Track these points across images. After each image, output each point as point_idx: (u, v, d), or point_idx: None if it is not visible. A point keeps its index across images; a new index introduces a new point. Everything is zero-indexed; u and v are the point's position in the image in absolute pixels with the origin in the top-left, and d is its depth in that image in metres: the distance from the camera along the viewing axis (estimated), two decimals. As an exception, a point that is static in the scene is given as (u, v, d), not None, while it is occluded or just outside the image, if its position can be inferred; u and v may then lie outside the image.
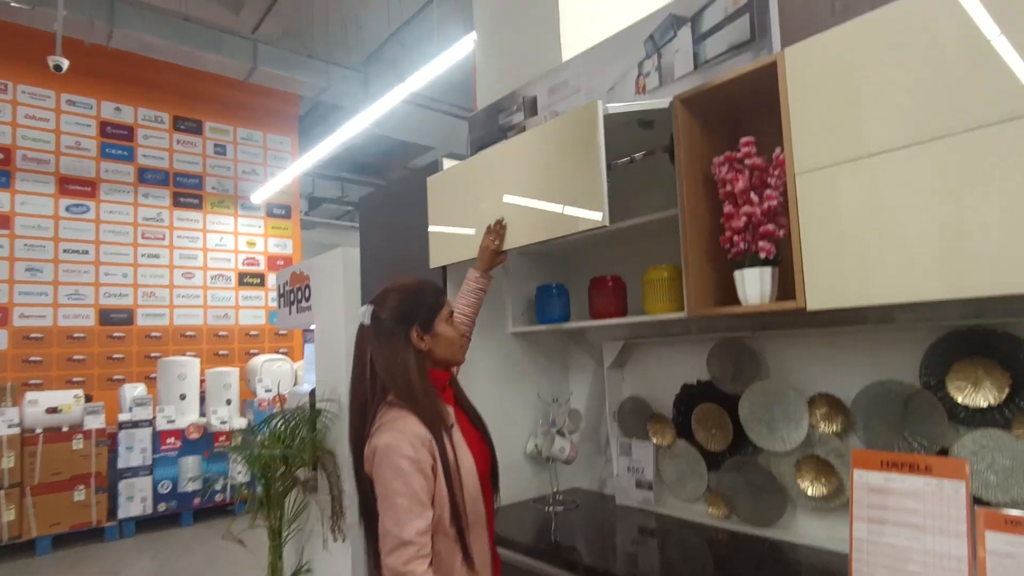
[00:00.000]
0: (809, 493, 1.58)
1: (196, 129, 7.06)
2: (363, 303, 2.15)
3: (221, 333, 7.11)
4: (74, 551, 4.74)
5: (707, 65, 1.94)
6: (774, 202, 1.43)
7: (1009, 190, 1.04)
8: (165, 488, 5.36)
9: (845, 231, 1.24)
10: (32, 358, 5.97)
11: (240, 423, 5.84)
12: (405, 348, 1.27)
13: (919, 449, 1.40)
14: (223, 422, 5.74)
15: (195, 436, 5.56)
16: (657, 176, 1.91)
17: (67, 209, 6.26)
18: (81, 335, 6.24)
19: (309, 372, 3.03)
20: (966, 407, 1.32)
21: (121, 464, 5.21)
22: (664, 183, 1.88)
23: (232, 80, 6.79)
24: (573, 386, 2.32)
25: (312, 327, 2.88)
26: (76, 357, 6.21)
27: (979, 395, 1.30)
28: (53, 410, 4.95)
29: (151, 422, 5.39)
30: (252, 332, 7.33)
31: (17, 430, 4.69)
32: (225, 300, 7.16)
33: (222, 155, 7.23)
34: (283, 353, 7.17)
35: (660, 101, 1.64)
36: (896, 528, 1.11)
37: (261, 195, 7.22)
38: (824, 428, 1.57)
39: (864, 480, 1.16)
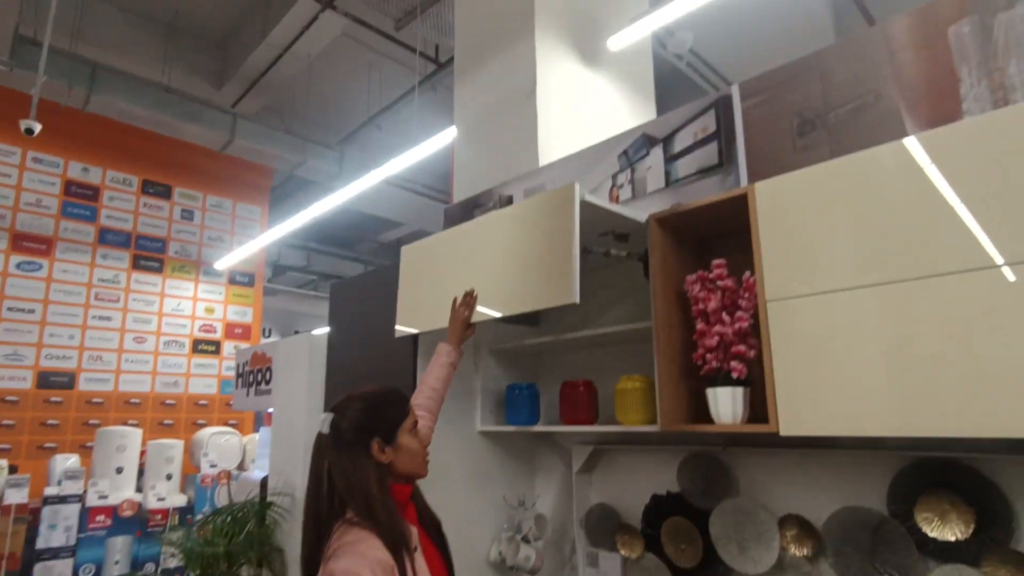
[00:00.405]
0: (780, 618, 1.55)
1: (165, 193, 7.00)
2: (327, 394, 2.08)
3: (168, 402, 6.78)
4: (-26, 648, 4.24)
5: (677, 184, 2.05)
6: (745, 324, 1.48)
7: (956, 338, 1.11)
8: (88, 572, 4.90)
9: (813, 360, 1.29)
10: (-44, 422, 5.56)
11: (179, 500, 5.46)
12: (365, 461, 1.21)
13: (888, 579, 1.40)
14: (160, 499, 5.35)
15: (128, 514, 5.16)
16: (631, 283, 1.97)
17: (17, 266, 6.03)
18: (14, 398, 5.86)
19: (262, 457, 2.89)
20: (935, 540, 1.34)
21: (40, 544, 4.76)
22: (637, 292, 1.94)
23: (207, 149, 6.82)
24: (540, 489, 2.27)
25: (270, 410, 2.78)
26: (5, 422, 5.80)
27: (946, 529, 1.32)
28: (-30, 482, 4.55)
29: (80, 497, 4.99)
30: (201, 402, 7.01)
31: (-73, 505, 4.28)
32: (176, 367, 6.88)
33: (189, 220, 7.15)
34: (232, 426, 6.85)
35: (636, 213, 1.71)
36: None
37: (225, 262, 7.11)
38: (795, 551, 1.56)
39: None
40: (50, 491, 4.92)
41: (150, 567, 5.13)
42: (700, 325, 1.56)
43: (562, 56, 2.84)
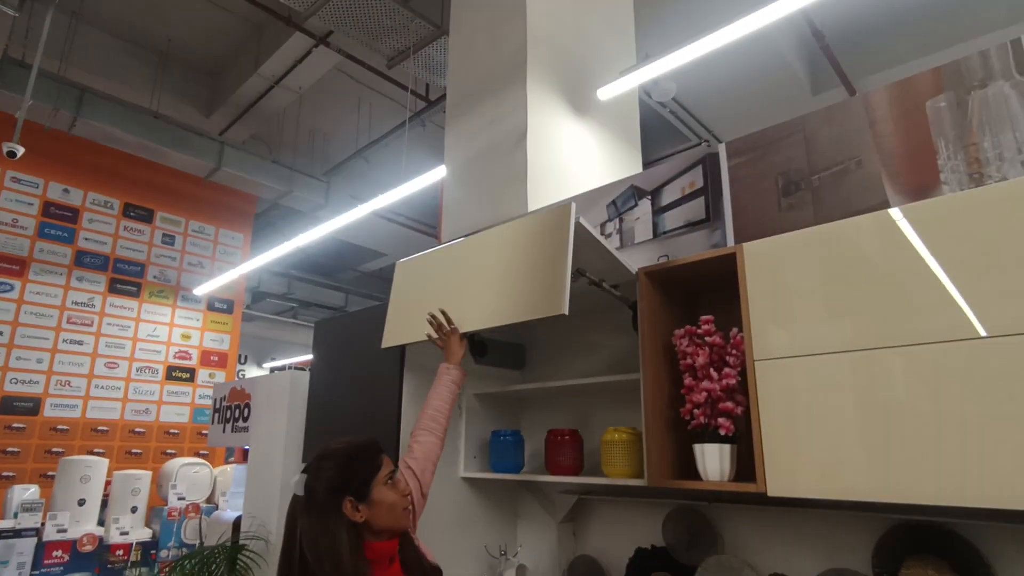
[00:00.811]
0: None
1: (146, 218, 6.92)
2: (306, 434, 2.05)
3: (137, 430, 6.58)
4: None
5: (665, 236, 2.09)
6: (733, 380, 1.50)
7: (934, 407, 1.14)
8: (40, 612, 4.66)
9: (799, 421, 1.31)
10: (-90, 449, 5.32)
11: (143, 534, 5.25)
12: (337, 523, 1.17)
13: (871, 642, 1.40)
14: (124, 533, 5.14)
15: (88, 549, 4.94)
16: (619, 332, 1.98)
17: (-12, 287, 5.88)
18: (-28, 424, 5.65)
19: (235, 496, 2.81)
20: (917, 604, 1.35)
21: (-9, 582, 4.54)
22: (624, 341, 1.96)
23: (192, 175, 6.79)
24: (522, 538, 2.24)
25: (246, 447, 2.71)
26: (-38, 449, 5.58)
27: (929, 594, 1.33)
28: (-79, 514, 4.34)
29: (37, 531, 4.78)
30: (172, 431, 6.82)
31: None
32: (148, 394, 6.70)
33: (170, 245, 7.06)
34: (203, 456, 6.65)
35: (627, 263, 1.73)
36: None
37: (205, 288, 7.01)
38: (779, 611, 1.55)
39: None
40: (4, 524, 4.70)
41: (108, 607, 4.90)
42: (688, 380, 1.58)
43: (553, 104, 2.91)
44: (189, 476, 5.76)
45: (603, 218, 2.28)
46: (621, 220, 2.23)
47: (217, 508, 5.00)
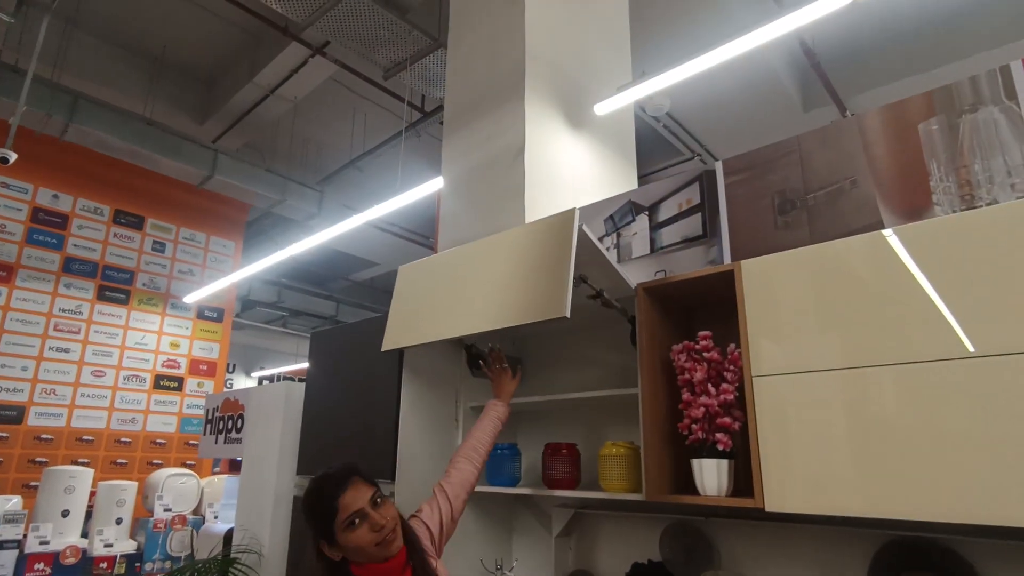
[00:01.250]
0: None
1: (137, 224, 6.88)
2: (301, 446, 2.06)
3: (124, 440, 6.49)
4: None
5: (662, 251, 2.11)
6: (730, 396, 1.52)
7: (927, 425, 1.16)
8: (21, 626, 4.56)
9: (796, 437, 1.32)
10: None
11: (128, 547, 5.17)
12: (320, 562, 1.24)
13: (867, 657, 1.41)
14: (108, 545, 5.06)
15: (71, 561, 4.85)
16: (616, 346, 2.00)
17: (-27, 293, 5.81)
18: (-46, 433, 5.55)
19: (227, 508, 2.78)
20: (912, 620, 1.36)
21: (-30, 595, 4.45)
22: (622, 355, 1.97)
23: (184, 183, 6.76)
24: (517, 552, 2.23)
25: (238, 459, 2.69)
26: (-57, 459, 5.48)
27: (923, 609, 1.35)
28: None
29: (19, 543, 4.69)
30: (159, 440, 6.73)
31: None
32: (135, 403, 6.62)
33: (160, 253, 7.02)
34: (190, 467, 6.57)
35: (626, 277, 1.75)
36: None
37: (195, 296, 6.96)
38: (775, 626, 1.56)
39: None
40: (-14, 536, 4.62)
41: (91, 621, 4.81)
42: (686, 395, 1.60)
43: (550, 119, 2.94)
44: (176, 487, 5.68)
45: (601, 232, 2.30)
46: (619, 235, 2.26)
47: (204, 520, 4.94)
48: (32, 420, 5.96)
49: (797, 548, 1.61)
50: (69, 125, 5.34)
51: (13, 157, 3.89)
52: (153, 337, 6.85)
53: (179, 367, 7.00)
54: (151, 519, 5.36)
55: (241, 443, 2.64)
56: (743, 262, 1.53)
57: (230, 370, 12.21)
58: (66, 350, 6.25)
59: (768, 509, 1.33)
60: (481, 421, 1.72)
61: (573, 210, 1.59)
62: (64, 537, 4.99)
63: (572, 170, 2.98)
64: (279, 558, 2.33)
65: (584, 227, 1.59)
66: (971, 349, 1.16)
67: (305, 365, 2.38)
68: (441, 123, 3.84)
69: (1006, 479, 1.08)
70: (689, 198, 2.09)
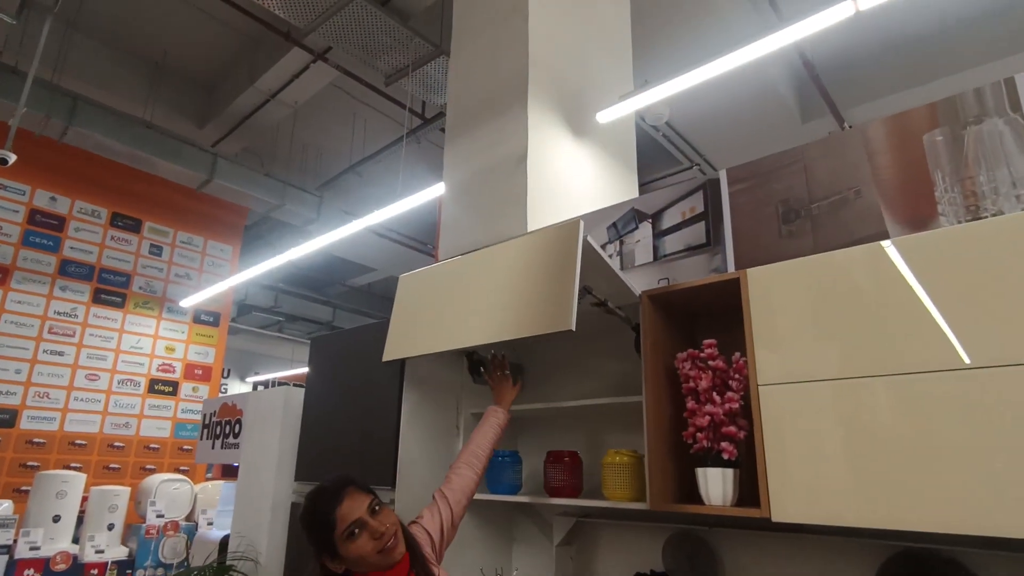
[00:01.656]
0: None
1: (134, 228, 6.85)
2: (300, 452, 2.05)
3: (117, 444, 6.43)
4: None
5: (665, 259, 2.11)
6: (735, 405, 1.51)
7: (930, 436, 1.16)
8: (9, 634, 4.50)
9: (803, 447, 1.32)
10: None
11: (120, 553, 5.11)
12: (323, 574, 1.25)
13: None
14: (99, 551, 5.00)
15: (61, 567, 4.79)
16: (620, 354, 1.99)
17: (-33, 295, 5.77)
18: (-56, 436, 5.49)
19: (223, 515, 2.76)
20: (918, 633, 1.36)
21: (-42, 603, 4.38)
22: (625, 363, 1.96)
23: (182, 186, 6.74)
24: (517, 562, 2.22)
25: (235, 464, 2.67)
26: (-67, 461, 5.42)
27: (929, 622, 1.34)
28: None
29: (9, 548, 4.62)
30: (152, 445, 6.68)
31: None
32: (129, 407, 6.57)
33: (157, 256, 6.99)
34: (183, 472, 6.52)
35: (631, 285, 1.75)
36: None
37: (191, 300, 6.93)
38: (779, 638, 1.55)
39: None
40: (-25, 541, 4.55)
41: (81, 628, 4.74)
42: (690, 403, 1.59)
43: (552, 127, 2.95)
44: (169, 493, 5.63)
45: (603, 240, 2.30)
46: (621, 242, 2.26)
47: (197, 526, 4.89)
48: (24, 424, 5.91)
49: (803, 559, 1.60)
50: (68, 127, 5.32)
51: (12, 158, 3.88)
52: (148, 341, 6.81)
53: (174, 371, 6.96)
54: (143, 525, 5.30)
55: (238, 448, 2.62)
56: (749, 270, 1.53)
57: (225, 375, 12.14)
58: (60, 353, 6.21)
59: (775, 519, 1.32)
60: (481, 427, 1.71)
61: (578, 221, 1.59)
62: (55, 543, 4.93)
63: (574, 178, 2.98)
64: (276, 565, 2.31)
65: (588, 237, 1.58)
66: (966, 360, 1.16)
67: (301, 371, 2.37)
68: (442, 130, 3.84)
69: None
70: (693, 206, 2.09)
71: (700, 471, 1.52)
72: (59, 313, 6.24)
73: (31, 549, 4.71)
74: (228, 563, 2.41)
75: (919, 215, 1.61)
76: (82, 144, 5.79)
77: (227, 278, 6.94)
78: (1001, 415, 1.11)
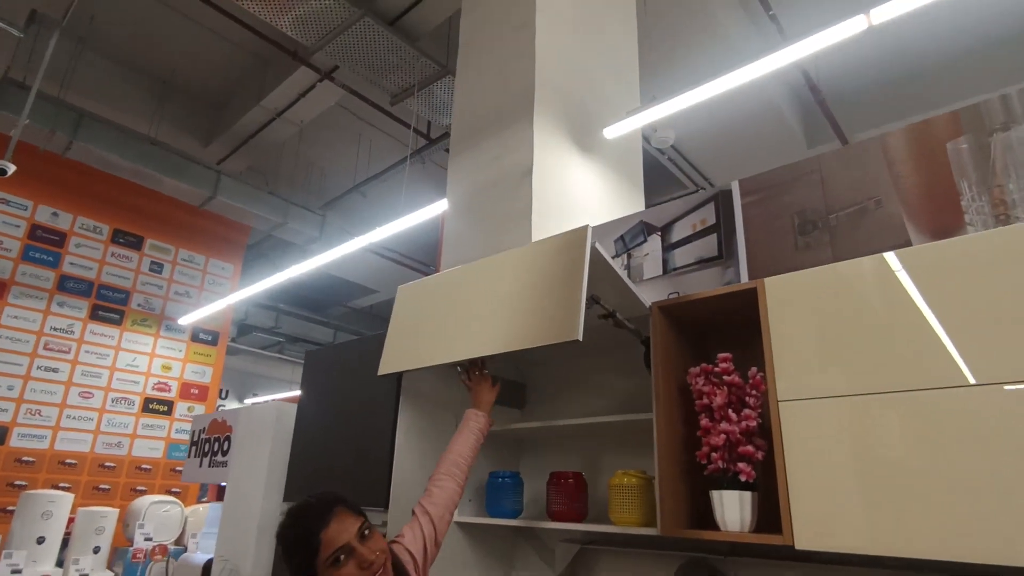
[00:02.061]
0: None
1: (136, 244, 6.81)
2: (290, 470, 1.96)
3: (108, 464, 6.29)
4: None
5: (675, 272, 2.03)
6: (753, 423, 1.42)
7: (966, 459, 1.06)
8: (-14, 661, 4.31)
9: (832, 467, 1.22)
10: None
11: (104, 578, 4.93)
12: None
13: None
14: (83, 575, 4.82)
15: (43, 592, 4.62)
16: (628, 370, 1.90)
17: (-37, 309, 5.70)
18: (-70, 454, 5.36)
19: (207, 536, 2.63)
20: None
21: (-66, 628, 4.21)
22: (633, 379, 1.87)
23: (185, 203, 6.72)
24: (517, 590, 2.09)
25: (223, 484, 2.55)
26: (-83, 480, 5.28)
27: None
28: None
29: (-9, 572, 4.47)
30: (144, 466, 6.52)
31: None
32: (122, 426, 6.44)
33: (157, 273, 6.93)
34: (175, 494, 6.35)
35: (641, 296, 1.66)
36: None
37: (190, 318, 6.85)
38: None
39: None
40: (-43, 562, 4.41)
41: (60, 656, 4.55)
42: (704, 421, 1.49)
43: (559, 141, 2.90)
44: (158, 515, 5.46)
45: (611, 253, 2.22)
46: (629, 256, 2.18)
47: (186, 550, 4.72)
48: (14, 441, 5.78)
49: (825, 592, 1.48)
50: (72, 142, 5.31)
51: (11, 169, 3.85)
52: (145, 359, 6.71)
53: (170, 390, 6.84)
54: (130, 548, 5.13)
55: (226, 467, 2.51)
56: (767, 279, 1.45)
57: (223, 396, 11.99)
58: (55, 370, 6.11)
59: (799, 547, 1.21)
60: (461, 433, 1.56)
61: (585, 227, 1.52)
62: (38, 566, 4.76)
63: (580, 193, 2.92)
64: (261, 592, 2.18)
65: (597, 244, 1.51)
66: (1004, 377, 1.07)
67: (299, 392, 2.27)
68: (446, 150, 3.80)
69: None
70: (704, 218, 2.02)
71: (715, 494, 1.42)
72: (55, 329, 6.16)
73: (13, 572, 4.55)
74: (211, 589, 2.28)
75: (945, 224, 1.53)
76: (86, 159, 5.79)
77: (227, 296, 6.87)
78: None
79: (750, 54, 2.78)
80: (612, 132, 3.04)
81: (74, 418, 6.14)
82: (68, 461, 6.03)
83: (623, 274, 1.61)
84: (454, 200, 3.03)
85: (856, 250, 1.65)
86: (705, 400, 1.51)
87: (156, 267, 6.95)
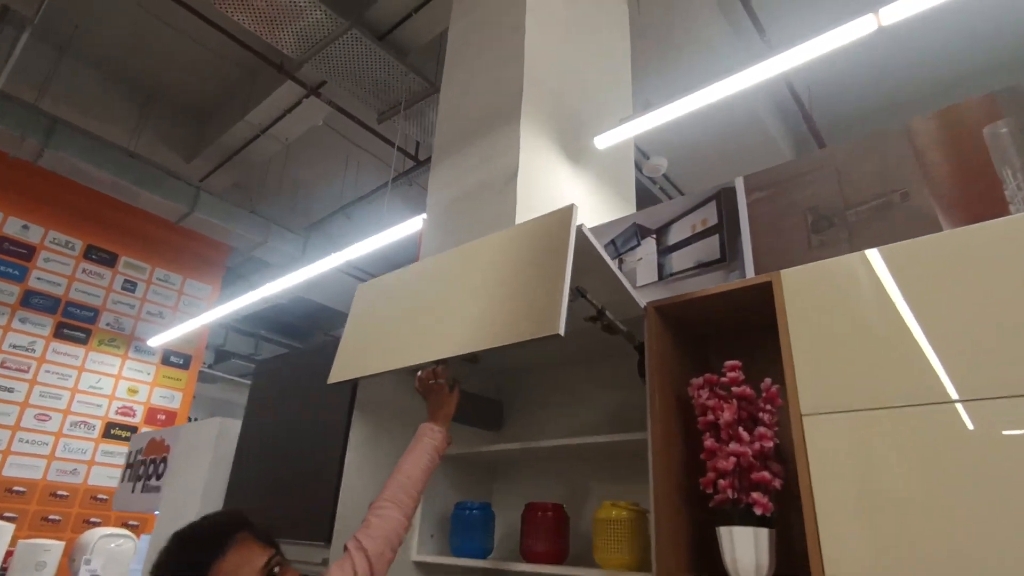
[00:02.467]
0: None
1: (109, 261, 6.53)
2: (228, 493, 1.66)
3: (60, 493, 5.86)
4: None
5: (672, 278, 1.81)
6: (769, 444, 1.17)
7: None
8: None
9: (871, 496, 0.97)
10: None
11: (42, 620, 4.48)
12: None
13: None
14: (17, 617, 4.39)
15: (-29, 635, 4.18)
16: (618, 383, 1.65)
17: (-85, 323, 5.37)
18: None
19: (135, 574, 2.30)
20: None
21: None
22: (623, 394, 1.62)
23: (164, 220, 6.48)
24: (485, 644, 1.78)
25: (157, 513, 2.24)
26: None
27: None
28: None
29: (-86, 610, 4.04)
30: (101, 496, 6.09)
31: None
32: (79, 452, 6.03)
33: (130, 292, 6.63)
34: (132, 528, 5.91)
35: (635, 294, 1.43)
36: None
37: (161, 339, 6.52)
38: None
39: None
40: None
41: None
42: (709, 441, 1.24)
43: (546, 147, 2.72)
44: (108, 549, 5.01)
45: (600, 258, 2.00)
46: (621, 261, 1.96)
47: (134, 589, 4.31)
48: (-40, 466, 5.38)
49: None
50: (44, 150, 5.10)
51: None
52: (110, 381, 6.35)
53: (134, 415, 6.46)
54: (74, 586, 4.70)
55: (159, 492, 2.20)
56: (783, 272, 1.23)
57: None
58: (10, 390, 5.74)
59: (830, 597, 0.95)
60: (411, 452, 1.29)
61: (571, 206, 1.30)
62: (-33, 604, 4.33)
63: (567, 200, 2.72)
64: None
65: (584, 228, 1.29)
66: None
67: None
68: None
69: None
70: (704, 218, 1.81)
71: (723, 530, 1.16)
72: (15, 346, 5.82)
73: (-61, 612, 4.12)
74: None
75: (985, 215, 1.32)
76: (60, 169, 5.56)
77: (198, 316, 6.57)
78: None
79: (735, 61, 2.68)
80: (603, 141, 2.87)
81: (27, 442, 5.75)
82: (16, 489, 5.61)
83: (613, 265, 1.38)
84: (434, 208, 2.83)
85: (878, 246, 1.44)
86: (710, 416, 1.26)
87: (129, 285, 6.66)
